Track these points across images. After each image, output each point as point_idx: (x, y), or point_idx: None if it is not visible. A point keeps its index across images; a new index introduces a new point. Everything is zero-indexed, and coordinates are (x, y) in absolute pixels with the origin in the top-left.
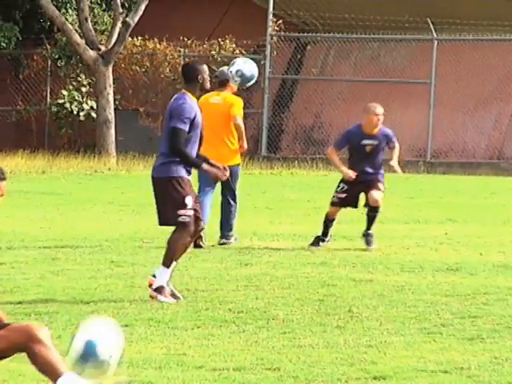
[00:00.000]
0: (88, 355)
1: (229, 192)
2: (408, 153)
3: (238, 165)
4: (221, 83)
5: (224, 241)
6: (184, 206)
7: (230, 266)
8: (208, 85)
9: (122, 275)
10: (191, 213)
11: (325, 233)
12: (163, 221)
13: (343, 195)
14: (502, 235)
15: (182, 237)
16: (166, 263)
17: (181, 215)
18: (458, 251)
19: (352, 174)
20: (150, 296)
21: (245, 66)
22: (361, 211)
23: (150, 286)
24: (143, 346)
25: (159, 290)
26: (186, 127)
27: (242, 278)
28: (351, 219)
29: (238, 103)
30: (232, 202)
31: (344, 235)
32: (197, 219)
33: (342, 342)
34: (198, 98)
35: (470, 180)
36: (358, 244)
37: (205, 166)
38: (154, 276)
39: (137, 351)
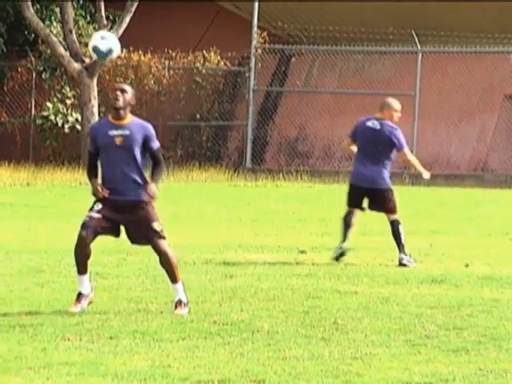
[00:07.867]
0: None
1: None
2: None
3: None
4: None
5: None
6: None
7: (215, 278)
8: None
9: (106, 287)
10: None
11: None
12: None
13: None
14: (487, 247)
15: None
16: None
17: None
18: (443, 263)
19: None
20: None
21: (101, 41)
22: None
23: None
24: (128, 358)
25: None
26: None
27: (226, 289)
28: (336, 231)
29: None
30: None
31: (329, 247)
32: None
33: (327, 353)
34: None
35: (455, 192)
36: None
37: (93, 181)
38: None
39: (121, 363)
